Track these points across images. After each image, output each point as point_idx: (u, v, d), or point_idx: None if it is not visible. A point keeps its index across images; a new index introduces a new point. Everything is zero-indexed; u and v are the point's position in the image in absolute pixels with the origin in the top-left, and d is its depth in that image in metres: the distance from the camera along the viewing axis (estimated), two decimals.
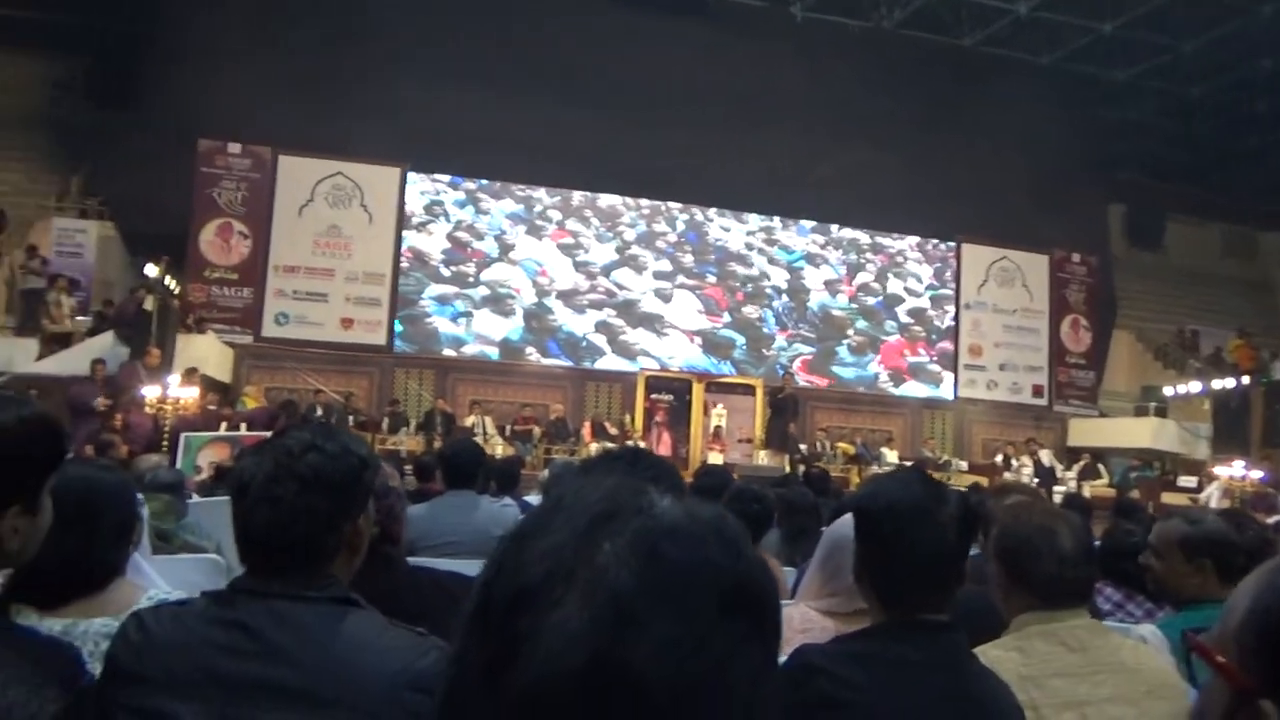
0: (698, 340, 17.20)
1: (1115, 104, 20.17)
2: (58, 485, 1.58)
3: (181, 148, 15.08)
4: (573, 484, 0.68)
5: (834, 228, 18.42)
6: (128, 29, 16.30)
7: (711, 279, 17.60)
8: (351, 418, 14.37)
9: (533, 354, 16.66)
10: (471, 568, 2.12)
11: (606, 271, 17.07)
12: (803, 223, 18.30)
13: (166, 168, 14.79)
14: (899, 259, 18.77)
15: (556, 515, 0.65)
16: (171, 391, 11.08)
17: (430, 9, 16.10)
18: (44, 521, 1.29)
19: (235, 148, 15.67)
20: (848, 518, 2.06)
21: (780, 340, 17.72)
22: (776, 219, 18.20)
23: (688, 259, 17.60)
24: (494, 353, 16.56)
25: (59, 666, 1.26)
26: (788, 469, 13.06)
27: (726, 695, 0.59)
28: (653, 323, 17.15)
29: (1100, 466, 16.33)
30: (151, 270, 12.89)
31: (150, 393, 11.00)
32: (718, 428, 15.27)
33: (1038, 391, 18.95)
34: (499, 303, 16.58)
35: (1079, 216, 19.22)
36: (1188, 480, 15.03)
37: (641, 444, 14.26)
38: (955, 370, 18.70)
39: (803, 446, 15.75)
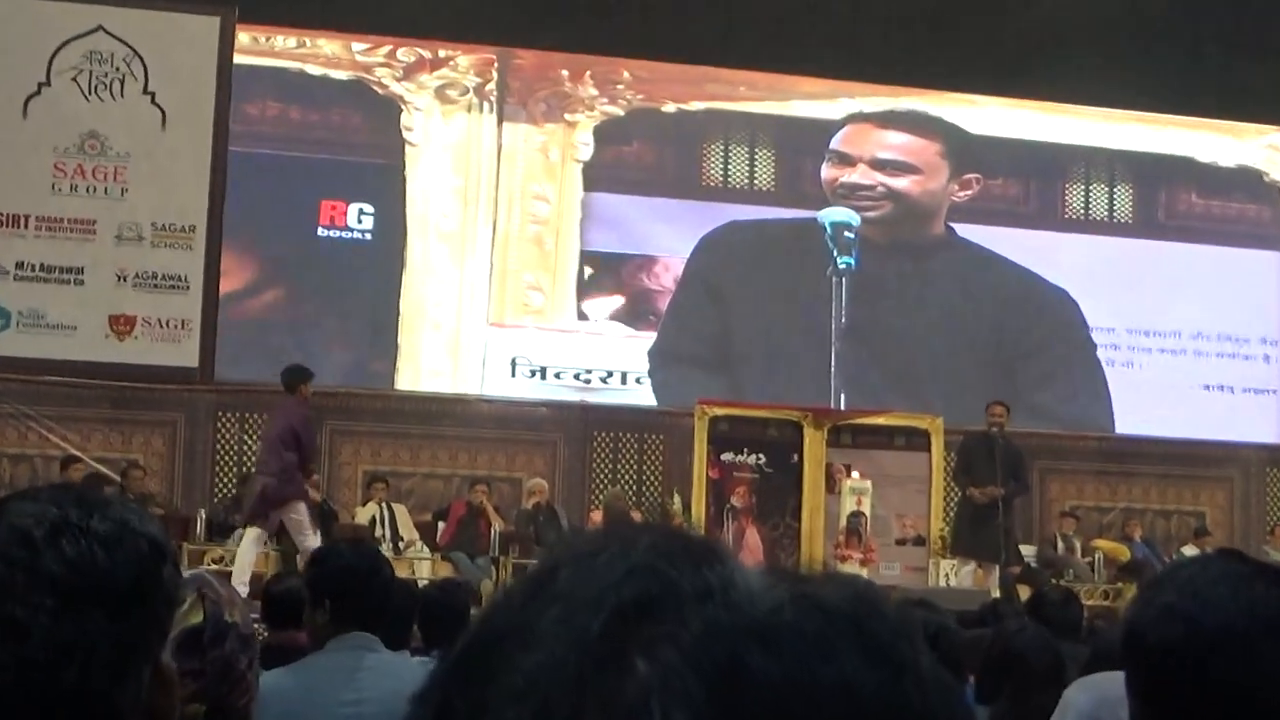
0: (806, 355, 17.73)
1: None
2: None
3: None
4: (570, 551, 0.72)
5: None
6: None
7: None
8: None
9: (487, 383, 17.15)
10: None
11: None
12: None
13: None
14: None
15: (544, 608, 0.68)
16: None
17: None
18: None
19: None
20: (1110, 679, 2.19)
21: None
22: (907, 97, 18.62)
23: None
24: (410, 382, 17.11)
25: None
26: (997, 591, 13.39)
27: None
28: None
29: None
30: None
31: None
32: (857, 516, 15.01)
33: None
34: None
35: None
36: None
37: None
38: None
39: (1028, 550, 15.84)
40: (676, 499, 16.07)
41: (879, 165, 18.39)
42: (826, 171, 18.29)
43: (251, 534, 12.97)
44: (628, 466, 17.30)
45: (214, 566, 13.42)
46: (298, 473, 13.04)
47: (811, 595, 0.68)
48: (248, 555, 12.79)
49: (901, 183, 18.42)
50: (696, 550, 0.70)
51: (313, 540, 12.13)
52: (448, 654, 0.72)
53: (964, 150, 18.63)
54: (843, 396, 17.46)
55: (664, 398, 17.38)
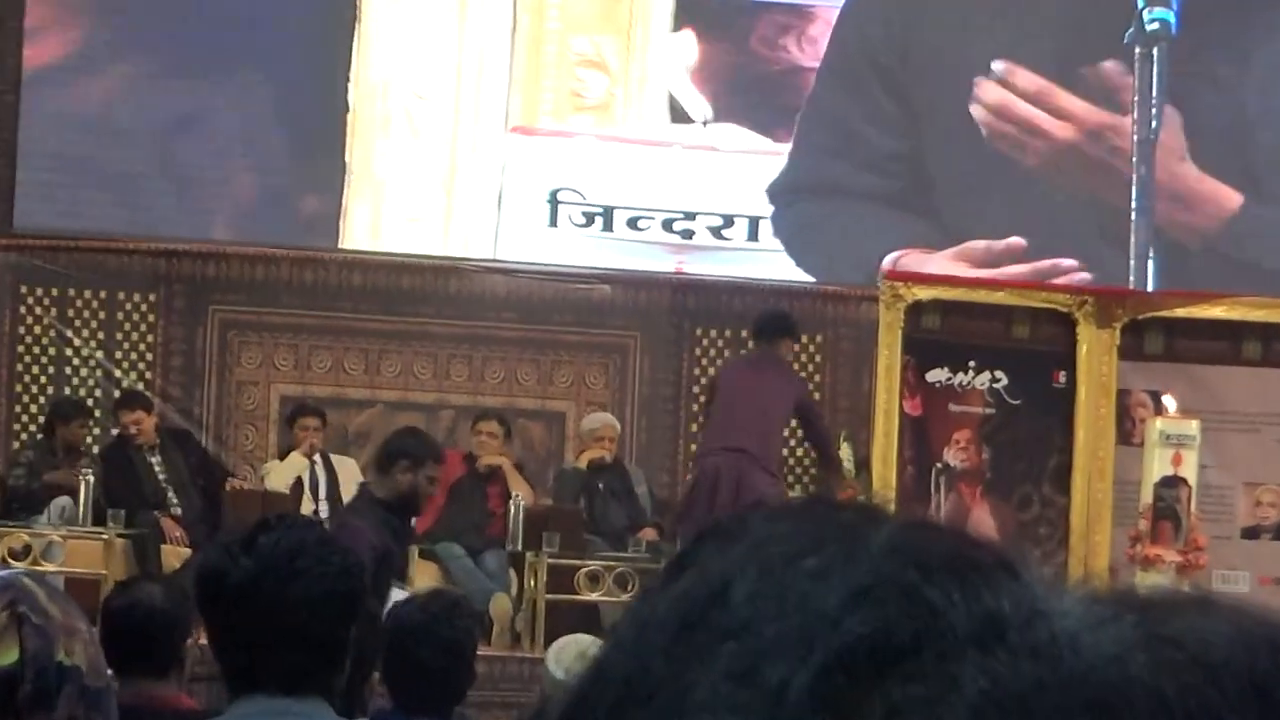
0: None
1: None
2: None
3: None
4: (751, 552, 0.79)
5: None
6: None
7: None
8: None
9: (505, 238, 17.78)
10: None
11: None
12: None
13: None
14: None
15: (708, 651, 0.75)
16: None
17: None
18: None
19: None
20: None
21: None
22: None
23: None
24: (367, 235, 17.81)
25: None
26: None
27: None
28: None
29: None
30: None
31: None
32: (1173, 485, 15.11)
33: None
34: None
35: None
36: None
37: None
38: None
39: None
40: (844, 449, 16.34)
41: None
42: None
43: None
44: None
45: (17, 564, 13.62)
46: (771, 462, 14.47)
47: (1179, 636, 0.70)
48: None
49: None
50: (972, 554, 0.74)
51: None
52: None
53: None
54: (1150, 266, 17.71)
55: (810, 265, 17.77)
